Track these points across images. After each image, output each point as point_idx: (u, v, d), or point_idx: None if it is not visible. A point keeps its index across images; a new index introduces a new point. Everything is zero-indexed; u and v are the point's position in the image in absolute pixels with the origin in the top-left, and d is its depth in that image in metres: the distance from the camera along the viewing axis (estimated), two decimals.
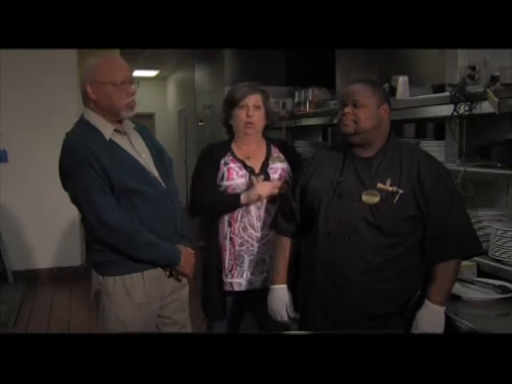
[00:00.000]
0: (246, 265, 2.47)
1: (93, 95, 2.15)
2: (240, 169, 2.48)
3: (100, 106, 2.17)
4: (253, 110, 2.48)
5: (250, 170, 2.49)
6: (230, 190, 2.46)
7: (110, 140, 2.19)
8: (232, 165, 2.49)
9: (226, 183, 2.47)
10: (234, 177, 2.47)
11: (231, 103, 2.52)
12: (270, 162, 2.52)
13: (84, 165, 2.09)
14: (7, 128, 5.56)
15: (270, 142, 2.60)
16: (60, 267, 5.97)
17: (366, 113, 1.98)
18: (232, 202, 2.44)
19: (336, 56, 4.18)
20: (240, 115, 2.49)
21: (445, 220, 1.94)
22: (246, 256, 2.47)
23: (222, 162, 2.50)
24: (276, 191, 2.42)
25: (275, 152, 2.56)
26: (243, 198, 2.41)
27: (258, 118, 2.50)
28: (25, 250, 5.85)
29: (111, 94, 2.16)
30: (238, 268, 2.47)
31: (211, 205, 2.50)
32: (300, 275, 2.19)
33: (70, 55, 5.72)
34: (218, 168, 2.49)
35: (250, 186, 2.44)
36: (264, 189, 2.41)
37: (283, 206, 2.27)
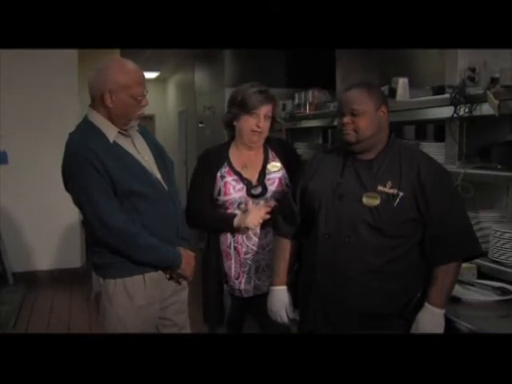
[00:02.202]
0: (252, 271, 2.46)
1: (110, 103, 2.13)
2: (237, 182, 2.45)
3: (113, 113, 2.16)
4: (263, 120, 2.45)
5: (247, 183, 2.46)
6: (228, 204, 2.45)
7: (114, 142, 2.18)
8: (228, 178, 2.46)
9: (223, 198, 2.45)
10: (231, 192, 2.44)
11: (242, 107, 2.45)
12: (267, 171, 2.49)
13: (87, 166, 2.09)
14: (7, 129, 5.55)
15: (267, 144, 2.57)
16: (60, 269, 5.96)
17: (365, 120, 1.97)
18: (225, 225, 2.44)
19: (336, 57, 4.18)
20: (250, 123, 2.44)
21: (445, 221, 1.93)
22: (252, 263, 2.45)
23: (219, 174, 2.47)
24: (267, 216, 2.40)
25: (272, 157, 2.54)
26: (236, 223, 2.41)
27: (266, 128, 2.48)
28: (25, 251, 5.84)
29: (130, 107, 2.16)
30: (245, 275, 2.46)
31: (206, 222, 2.51)
32: (300, 276, 2.19)
33: (70, 56, 5.71)
34: (214, 180, 2.47)
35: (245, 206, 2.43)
36: (254, 220, 2.39)
37: (283, 207, 2.26)
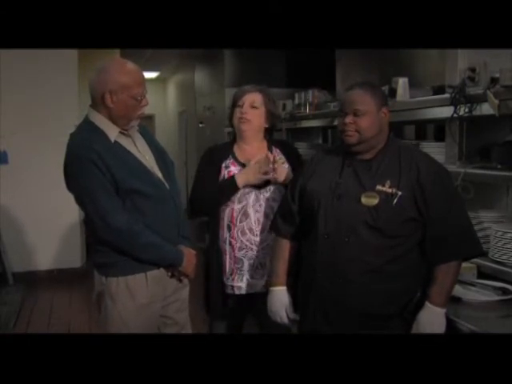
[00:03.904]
0: (245, 269, 2.46)
1: (110, 104, 2.14)
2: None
3: (114, 113, 2.17)
4: (248, 107, 2.48)
5: None
6: None
7: (115, 142, 2.19)
8: (232, 168, 2.49)
9: None
10: None
11: (233, 102, 2.56)
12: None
13: (89, 166, 2.09)
14: (7, 129, 5.56)
15: (271, 143, 2.59)
16: (60, 269, 5.96)
17: (367, 121, 1.96)
18: (230, 188, 2.43)
19: (336, 57, 4.18)
20: (237, 113, 2.51)
21: (445, 221, 1.93)
22: (245, 260, 2.46)
23: (223, 165, 2.50)
24: (268, 171, 2.40)
25: (276, 153, 2.54)
26: (239, 180, 2.41)
27: (254, 116, 2.49)
28: (25, 251, 5.84)
29: (130, 107, 2.17)
30: (238, 272, 2.47)
31: (209, 198, 2.48)
32: (300, 276, 2.19)
33: (70, 56, 5.71)
34: (219, 171, 2.49)
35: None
36: (282, 174, 2.40)
37: (282, 207, 2.26)
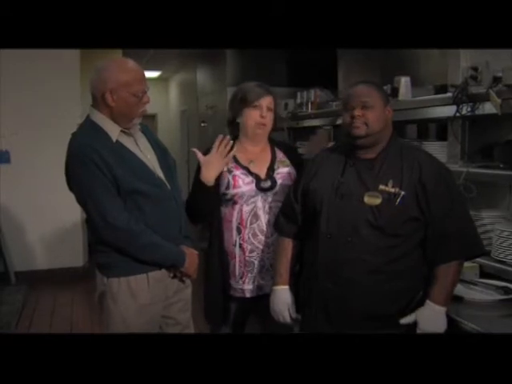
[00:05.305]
0: (256, 271, 2.44)
1: (112, 103, 2.14)
2: (246, 176, 2.43)
3: (116, 112, 2.17)
4: (266, 111, 2.44)
5: (256, 177, 2.44)
6: (236, 198, 2.42)
7: (117, 141, 2.19)
8: (236, 172, 2.44)
9: (232, 191, 2.42)
10: (241, 184, 2.41)
11: (243, 101, 2.47)
12: (276, 166, 2.48)
13: (90, 166, 2.09)
14: (9, 129, 5.56)
15: (274, 144, 2.56)
16: (62, 268, 5.96)
17: (375, 114, 1.98)
18: (200, 187, 2.38)
19: (338, 56, 4.17)
20: (253, 115, 2.44)
21: (447, 220, 1.93)
22: (256, 262, 2.43)
23: (225, 169, 2.44)
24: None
25: (280, 155, 2.53)
26: (204, 178, 2.37)
27: (270, 120, 2.47)
28: (27, 250, 5.85)
29: (131, 104, 2.17)
30: (249, 275, 2.44)
31: (202, 208, 2.45)
32: (302, 276, 2.19)
33: (72, 56, 5.72)
34: (219, 177, 2.43)
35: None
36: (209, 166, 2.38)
37: (285, 207, 2.26)
